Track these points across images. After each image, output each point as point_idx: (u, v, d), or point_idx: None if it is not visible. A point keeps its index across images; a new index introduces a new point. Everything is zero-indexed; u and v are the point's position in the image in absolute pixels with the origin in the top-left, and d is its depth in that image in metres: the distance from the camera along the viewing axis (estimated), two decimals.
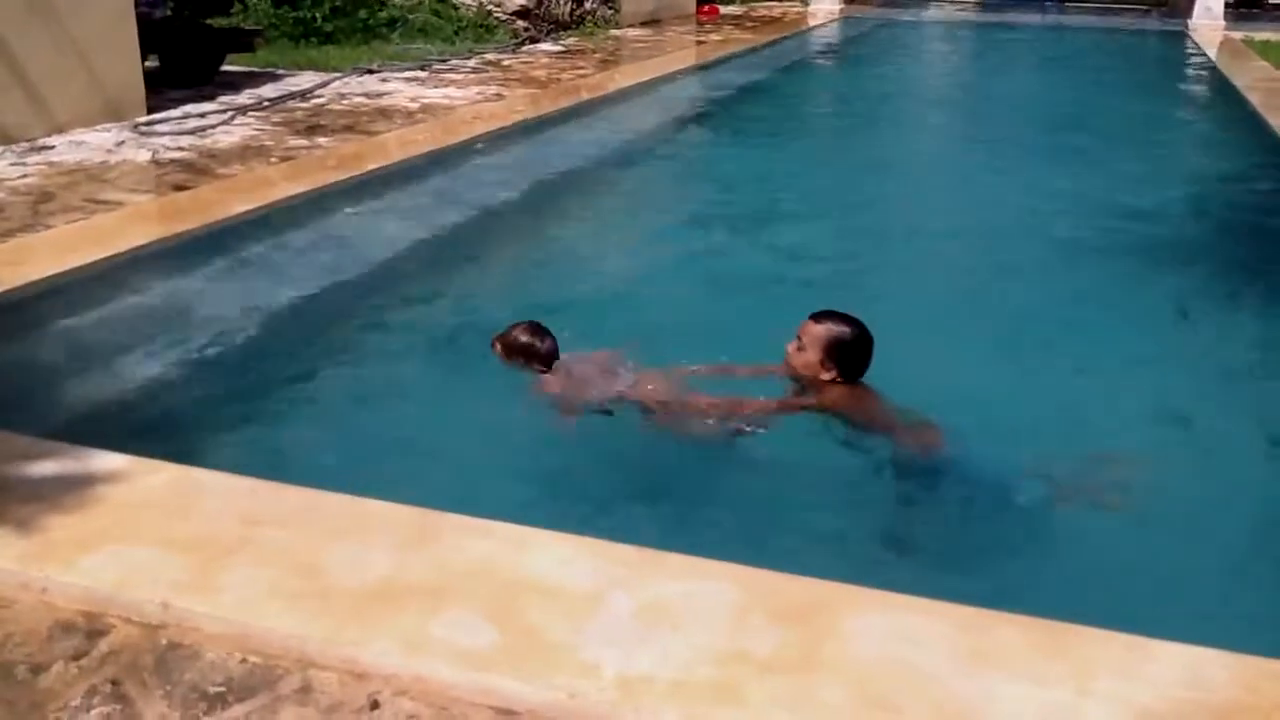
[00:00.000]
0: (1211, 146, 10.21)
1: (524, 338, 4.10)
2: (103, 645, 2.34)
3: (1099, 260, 6.13)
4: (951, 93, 13.87)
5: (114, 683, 2.23)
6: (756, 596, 2.47)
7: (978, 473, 3.59)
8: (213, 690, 2.21)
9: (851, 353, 3.60)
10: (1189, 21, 18.97)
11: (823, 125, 11.40)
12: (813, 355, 3.59)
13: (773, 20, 19.47)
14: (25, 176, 6.44)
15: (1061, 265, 6.00)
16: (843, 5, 21.77)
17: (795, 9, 21.76)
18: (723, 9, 20.35)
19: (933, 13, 23.39)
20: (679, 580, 2.52)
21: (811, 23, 19.71)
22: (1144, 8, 23.72)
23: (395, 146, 7.67)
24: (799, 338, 3.65)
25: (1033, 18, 22.60)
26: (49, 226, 5.47)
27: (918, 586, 2.52)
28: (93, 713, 2.15)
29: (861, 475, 3.54)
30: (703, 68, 13.34)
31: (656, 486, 3.51)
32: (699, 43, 15.80)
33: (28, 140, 7.24)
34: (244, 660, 2.30)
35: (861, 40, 18.40)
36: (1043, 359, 4.62)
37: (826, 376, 3.59)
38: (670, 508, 3.38)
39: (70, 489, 2.89)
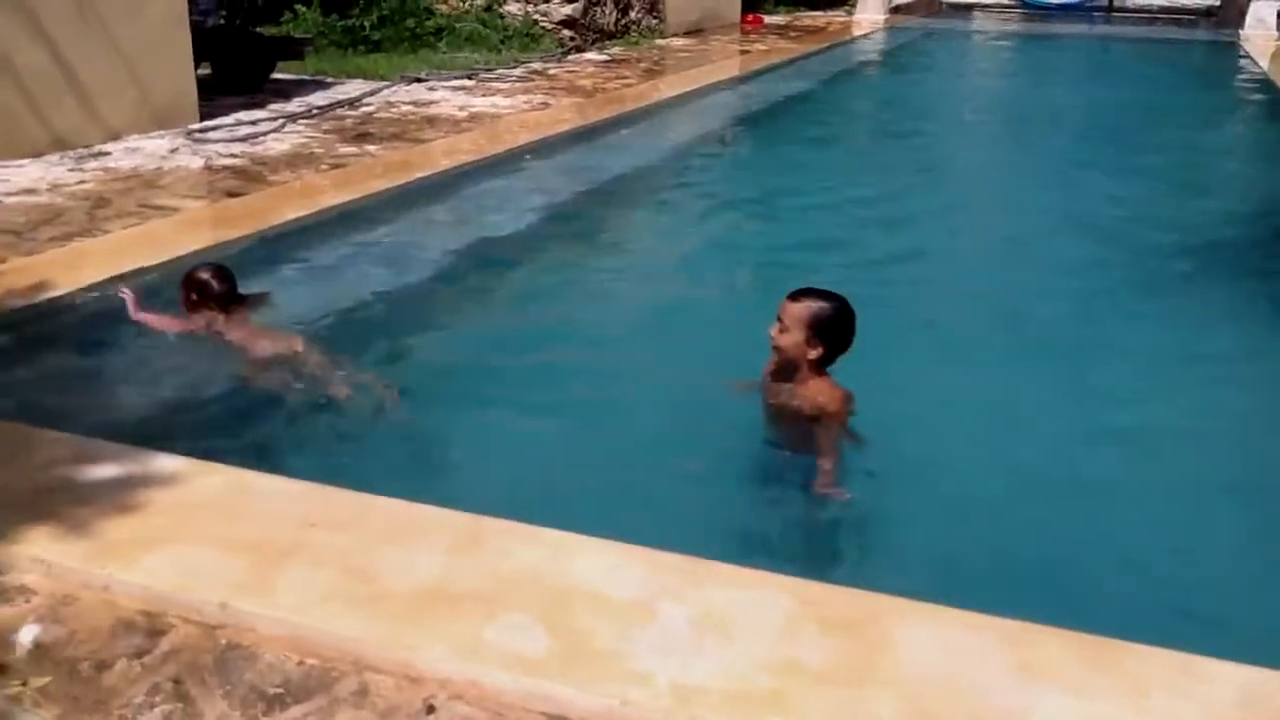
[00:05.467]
0: (1267, 158, 10.08)
1: (203, 274, 4.32)
2: (164, 644, 2.39)
3: (1146, 276, 6.08)
4: (998, 105, 13.76)
5: (175, 681, 2.28)
6: (807, 607, 2.48)
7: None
8: (271, 691, 2.25)
9: (834, 327, 3.59)
10: (1240, 32, 18.77)
11: (865, 137, 11.35)
12: (797, 334, 3.58)
13: (817, 30, 19.44)
14: (82, 182, 6.56)
15: (1111, 283, 5.94)
16: (887, 16, 21.73)
17: (840, 19, 21.73)
18: (767, 19, 20.36)
19: (977, 23, 23.26)
20: (728, 589, 2.54)
21: (856, 33, 19.65)
22: (1192, 18, 23.47)
23: (442, 154, 7.74)
24: (780, 319, 3.64)
25: (1079, 28, 22.41)
26: (105, 231, 5.57)
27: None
28: (155, 710, 2.20)
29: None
30: (747, 77, 13.34)
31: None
32: (743, 52, 15.81)
33: (85, 147, 7.38)
34: (301, 662, 2.34)
35: (905, 50, 18.32)
36: (1106, 369, 4.65)
37: (813, 355, 3.58)
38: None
39: (127, 490, 2.94)
